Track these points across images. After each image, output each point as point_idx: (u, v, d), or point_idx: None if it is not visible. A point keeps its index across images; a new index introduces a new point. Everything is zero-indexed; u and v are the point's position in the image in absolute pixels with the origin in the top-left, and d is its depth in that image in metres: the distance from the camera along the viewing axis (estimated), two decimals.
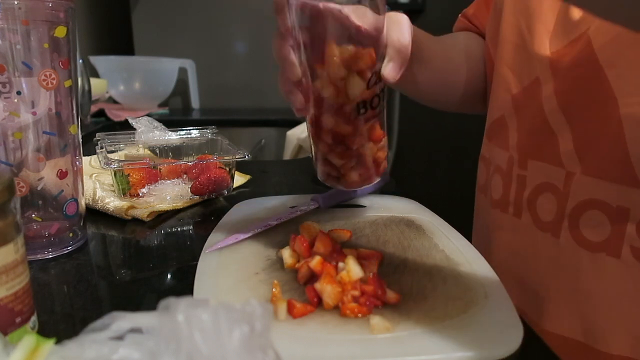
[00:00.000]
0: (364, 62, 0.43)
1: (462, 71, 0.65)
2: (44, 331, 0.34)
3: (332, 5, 0.41)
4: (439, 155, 2.09)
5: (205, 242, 0.48)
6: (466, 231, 0.56)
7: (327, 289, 0.36)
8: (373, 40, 0.44)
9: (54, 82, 0.44)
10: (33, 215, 0.47)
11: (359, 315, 0.36)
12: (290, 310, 0.36)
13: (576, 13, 0.46)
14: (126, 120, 0.77)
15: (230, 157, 0.67)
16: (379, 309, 0.37)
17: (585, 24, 0.45)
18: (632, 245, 0.44)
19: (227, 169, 0.67)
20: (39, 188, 0.46)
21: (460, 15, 0.72)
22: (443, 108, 0.71)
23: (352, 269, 0.39)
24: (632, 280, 0.44)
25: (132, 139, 0.70)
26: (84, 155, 0.53)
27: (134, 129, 0.70)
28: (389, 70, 0.45)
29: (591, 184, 0.46)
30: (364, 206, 0.61)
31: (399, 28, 0.46)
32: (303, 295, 0.38)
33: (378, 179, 0.51)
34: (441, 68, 0.62)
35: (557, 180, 0.49)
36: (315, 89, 0.44)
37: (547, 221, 0.50)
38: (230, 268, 0.43)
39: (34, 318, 0.34)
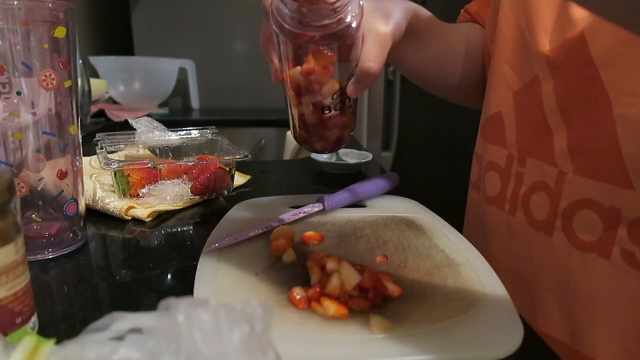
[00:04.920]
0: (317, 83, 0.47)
1: (459, 57, 0.64)
2: (44, 331, 0.34)
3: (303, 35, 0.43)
4: (439, 155, 2.09)
5: (205, 242, 0.48)
6: None
7: (331, 309, 0.35)
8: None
9: (54, 82, 0.44)
10: (33, 216, 0.47)
11: (364, 307, 0.36)
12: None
13: (574, 10, 0.46)
14: (126, 121, 0.77)
15: (230, 157, 0.67)
16: (379, 308, 0.37)
17: (582, 21, 0.45)
18: (622, 247, 0.44)
19: (227, 169, 0.67)
20: (39, 188, 0.46)
21: (462, 10, 0.72)
22: (440, 93, 0.70)
23: (347, 277, 0.37)
24: (620, 283, 0.44)
25: (132, 139, 0.70)
26: (84, 156, 0.53)
27: (134, 129, 0.70)
28: (352, 89, 0.46)
29: (583, 184, 0.46)
30: (364, 206, 0.61)
31: (375, 51, 0.46)
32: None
33: (339, 149, 0.56)
34: (438, 50, 0.61)
35: (549, 180, 0.49)
36: (286, 85, 0.48)
37: (540, 220, 0.50)
38: (230, 268, 0.43)
39: (34, 318, 0.34)
